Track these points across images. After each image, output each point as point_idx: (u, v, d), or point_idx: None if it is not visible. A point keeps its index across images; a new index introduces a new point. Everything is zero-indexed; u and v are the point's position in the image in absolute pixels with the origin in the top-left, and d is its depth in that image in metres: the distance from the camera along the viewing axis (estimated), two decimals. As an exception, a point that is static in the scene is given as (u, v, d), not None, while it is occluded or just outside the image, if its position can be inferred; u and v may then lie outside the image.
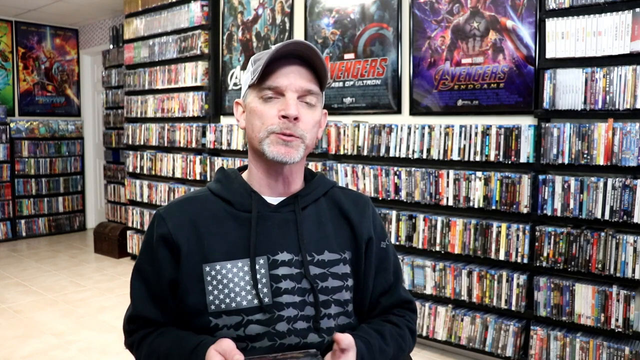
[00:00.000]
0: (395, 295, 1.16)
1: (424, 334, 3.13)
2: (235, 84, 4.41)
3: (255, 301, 1.00)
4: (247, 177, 1.11)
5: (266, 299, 1.00)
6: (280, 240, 1.04)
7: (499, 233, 2.85)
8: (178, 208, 1.08)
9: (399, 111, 3.37)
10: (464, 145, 2.96)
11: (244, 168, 1.17)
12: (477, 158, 2.92)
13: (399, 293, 1.17)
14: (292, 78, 1.02)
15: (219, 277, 1.01)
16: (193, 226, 1.04)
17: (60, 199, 6.82)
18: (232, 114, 4.45)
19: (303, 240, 1.05)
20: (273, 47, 1.02)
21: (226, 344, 0.91)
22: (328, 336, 1.02)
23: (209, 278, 1.01)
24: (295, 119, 1.01)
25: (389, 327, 1.10)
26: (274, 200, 1.09)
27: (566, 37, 2.61)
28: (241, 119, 1.11)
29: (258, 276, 1.01)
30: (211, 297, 1.00)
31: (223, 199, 1.08)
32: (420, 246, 3.14)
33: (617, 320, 2.51)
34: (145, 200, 5.10)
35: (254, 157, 1.09)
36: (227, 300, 1.00)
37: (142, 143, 5.17)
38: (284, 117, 1.00)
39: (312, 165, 3.60)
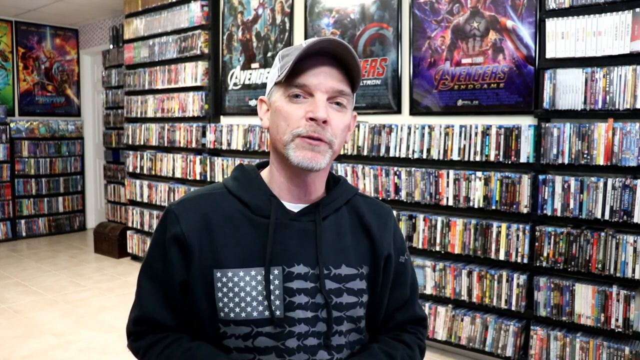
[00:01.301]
0: (410, 311, 1.13)
1: (424, 334, 3.12)
2: (235, 84, 4.41)
3: (267, 313, 0.95)
4: (267, 178, 1.04)
5: (278, 312, 0.96)
6: (297, 251, 0.99)
7: (499, 233, 2.85)
8: (192, 205, 1.01)
9: (399, 111, 3.37)
10: (464, 145, 2.96)
11: (262, 165, 1.10)
12: (477, 158, 2.92)
13: (414, 309, 1.13)
14: (323, 78, 0.94)
15: (230, 284, 0.96)
16: (206, 227, 0.98)
17: (60, 199, 6.81)
18: (232, 114, 4.45)
19: (322, 253, 1.00)
20: (304, 43, 0.94)
21: None
22: (337, 354, 0.99)
23: (219, 284, 0.96)
24: (324, 122, 0.94)
25: (401, 350, 1.07)
26: (293, 206, 1.02)
27: (566, 37, 2.61)
28: (265, 118, 1.03)
29: (271, 287, 0.96)
30: (221, 305, 0.95)
31: (240, 199, 1.01)
32: (420, 246, 3.14)
33: (617, 320, 2.51)
34: (145, 200, 5.10)
35: (277, 160, 1.01)
36: (237, 310, 0.95)
37: (142, 143, 5.17)
38: (311, 119, 0.93)
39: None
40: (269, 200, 1.01)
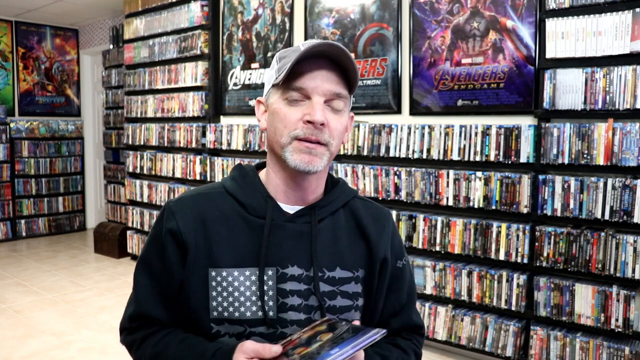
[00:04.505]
0: (405, 318, 1.11)
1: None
2: (235, 84, 4.41)
3: (260, 313, 0.96)
4: (264, 179, 1.05)
5: (271, 313, 0.96)
6: (291, 253, 0.99)
7: (499, 233, 2.85)
8: (189, 204, 1.02)
9: (399, 111, 3.37)
10: (464, 145, 2.96)
11: (262, 165, 1.10)
12: (477, 158, 2.92)
13: (410, 316, 1.12)
14: (320, 80, 0.95)
15: (224, 284, 0.97)
16: (202, 226, 0.99)
17: (60, 199, 6.81)
18: (232, 114, 4.45)
19: (316, 256, 1.00)
20: (302, 46, 0.94)
21: (253, 345, 0.87)
22: None
23: (214, 283, 0.97)
24: (322, 124, 0.94)
25: (396, 353, 1.06)
26: (289, 208, 1.02)
27: (566, 37, 2.61)
28: (262, 120, 1.03)
29: (265, 288, 0.97)
30: (214, 304, 0.96)
31: (236, 199, 1.02)
32: (420, 246, 3.14)
33: (617, 320, 2.51)
34: (145, 200, 5.10)
35: (274, 161, 1.02)
36: (231, 309, 0.96)
37: (142, 143, 5.17)
38: (309, 122, 0.94)
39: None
40: (265, 201, 1.01)
